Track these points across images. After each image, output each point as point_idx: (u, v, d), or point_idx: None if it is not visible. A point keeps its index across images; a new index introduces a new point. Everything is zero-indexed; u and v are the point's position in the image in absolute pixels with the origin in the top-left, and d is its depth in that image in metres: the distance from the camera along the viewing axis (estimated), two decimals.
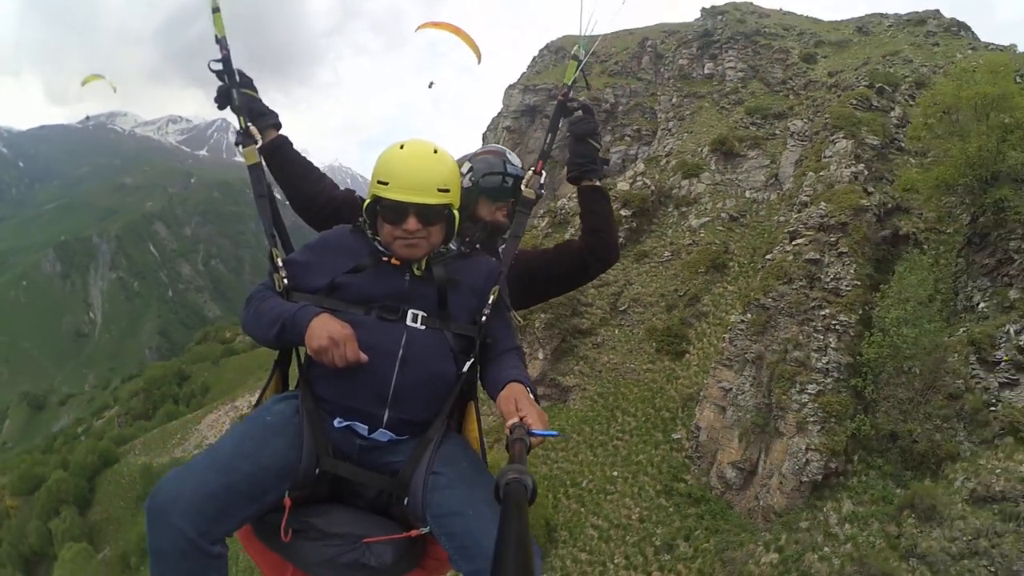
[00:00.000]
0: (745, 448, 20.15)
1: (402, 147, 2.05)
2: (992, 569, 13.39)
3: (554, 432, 1.74)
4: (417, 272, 2.07)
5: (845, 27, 50.96)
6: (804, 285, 21.04)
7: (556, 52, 70.44)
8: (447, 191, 2.04)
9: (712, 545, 18.83)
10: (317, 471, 1.93)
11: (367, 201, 2.08)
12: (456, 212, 2.10)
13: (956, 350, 17.59)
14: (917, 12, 48.77)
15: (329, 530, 1.89)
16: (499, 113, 74.75)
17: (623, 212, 33.30)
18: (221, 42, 2.37)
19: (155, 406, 78.53)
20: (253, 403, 2.18)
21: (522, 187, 2.42)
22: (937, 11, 47.80)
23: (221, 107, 2.42)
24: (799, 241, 22.41)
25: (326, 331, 1.88)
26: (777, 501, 18.34)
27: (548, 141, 2.47)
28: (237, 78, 2.39)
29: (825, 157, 26.06)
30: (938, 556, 14.18)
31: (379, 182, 2.02)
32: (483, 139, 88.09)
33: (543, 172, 2.41)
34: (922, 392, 17.57)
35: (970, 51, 37.46)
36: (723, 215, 33.43)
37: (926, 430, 17.10)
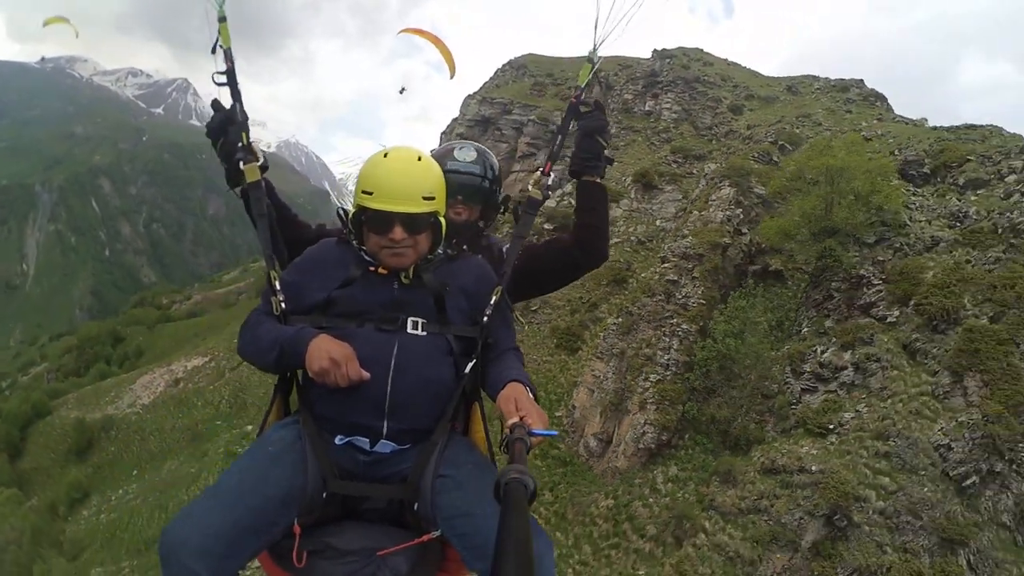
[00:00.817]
0: (604, 422, 24.71)
1: (386, 155, 2.07)
2: (767, 521, 17.71)
3: (554, 432, 1.78)
4: (405, 280, 2.09)
5: (777, 84, 56.62)
6: (662, 299, 25.75)
7: (518, 69, 74.09)
8: (432, 199, 2.04)
9: (569, 495, 23.43)
10: (325, 494, 1.94)
11: (352, 211, 2.10)
12: (443, 219, 2.10)
13: (778, 362, 22.46)
14: (843, 79, 54.60)
15: (345, 548, 1.91)
16: (455, 119, 77.21)
17: (546, 226, 38.50)
18: (227, 53, 2.31)
19: (87, 365, 78.74)
20: (259, 429, 2.16)
21: (529, 187, 2.40)
22: (861, 80, 53.75)
23: (219, 129, 2.27)
24: (666, 265, 27.29)
25: (326, 353, 1.90)
26: (622, 463, 22.92)
27: (558, 142, 2.45)
28: (239, 92, 2.30)
29: (711, 200, 30.90)
30: (730, 509, 18.51)
31: (363, 192, 2.02)
32: (439, 139, 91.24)
33: (551, 173, 2.44)
34: (750, 392, 22.49)
35: (875, 120, 42.50)
36: (632, 238, 37.93)
37: (745, 420, 21.90)
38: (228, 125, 2.28)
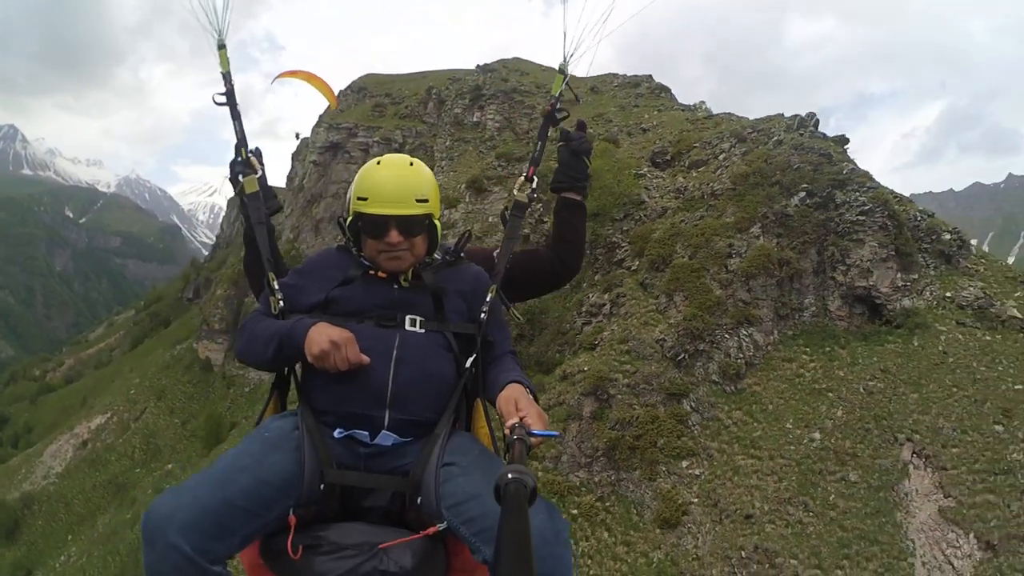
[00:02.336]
0: None
1: (379, 163, 2.19)
2: (564, 407, 25.30)
3: (555, 432, 1.80)
4: (404, 283, 2.19)
5: (584, 85, 65.54)
6: None
7: (358, 92, 79.76)
8: (426, 201, 2.14)
9: None
10: (322, 485, 1.93)
11: (348, 218, 2.20)
12: (437, 221, 2.21)
13: (570, 309, 32.00)
14: (637, 76, 65.09)
15: (343, 541, 1.87)
16: (305, 143, 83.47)
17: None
18: (226, 77, 2.50)
19: None
20: (254, 424, 2.16)
21: (515, 191, 2.58)
22: (650, 76, 64.55)
23: (238, 170, 2.48)
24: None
25: (326, 336, 1.95)
26: None
27: (538, 149, 2.64)
28: (239, 109, 2.49)
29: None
30: (542, 407, 28.41)
31: (359, 198, 2.13)
32: (291, 159, 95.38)
33: (535, 178, 2.60)
34: (555, 331, 31.78)
35: (656, 112, 52.81)
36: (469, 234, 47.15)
37: (551, 351, 31.36)
38: (247, 168, 2.50)
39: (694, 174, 34.16)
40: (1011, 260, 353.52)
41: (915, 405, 20.92)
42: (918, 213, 28.00)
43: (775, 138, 29.74)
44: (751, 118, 38.79)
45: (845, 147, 30.34)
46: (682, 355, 25.32)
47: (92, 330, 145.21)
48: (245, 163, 2.47)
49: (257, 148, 2.54)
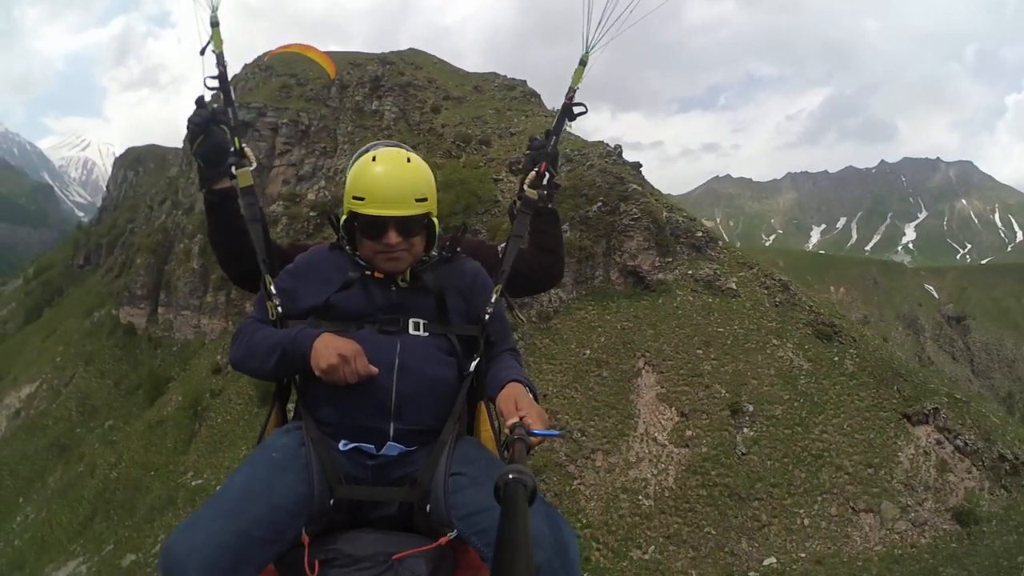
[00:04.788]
0: None
1: (374, 159, 2.15)
2: None
3: (555, 432, 1.87)
4: (402, 284, 2.19)
5: (468, 83, 76.73)
6: None
7: (265, 70, 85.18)
8: (425, 200, 2.14)
9: None
10: (332, 501, 1.96)
11: (343, 218, 2.20)
12: (435, 220, 2.21)
13: None
14: (513, 79, 76.01)
15: (358, 554, 1.91)
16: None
17: (311, 213, 57.79)
18: (219, 57, 2.45)
19: None
20: (257, 438, 2.22)
21: (526, 187, 2.67)
22: (524, 81, 76.01)
23: (200, 127, 2.41)
24: None
25: (334, 349, 1.96)
26: None
27: (552, 143, 2.72)
28: (234, 97, 2.48)
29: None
30: None
31: (354, 198, 2.11)
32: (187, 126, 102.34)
33: (546, 173, 2.69)
34: None
35: (524, 117, 64.44)
36: None
37: None
38: (211, 124, 2.42)
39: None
40: (877, 238, 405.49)
41: (650, 336, 36.13)
42: (682, 218, 43.11)
43: (589, 162, 43.91)
44: (582, 139, 52.49)
45: (640, 169, 45.27)
46: (515, 304, 39.54)
47: None
48: (239, 154, 2.44)
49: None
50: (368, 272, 2.21)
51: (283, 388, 2.32)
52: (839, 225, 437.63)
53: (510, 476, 1.27)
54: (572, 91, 2.71)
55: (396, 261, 2.17)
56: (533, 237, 2.83)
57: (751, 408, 32.05)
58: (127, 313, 72.45)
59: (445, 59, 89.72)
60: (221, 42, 2.48)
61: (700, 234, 42.86)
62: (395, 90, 72.28)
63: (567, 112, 2.74)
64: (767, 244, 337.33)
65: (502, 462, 1.87)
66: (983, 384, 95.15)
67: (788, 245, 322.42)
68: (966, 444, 29.93)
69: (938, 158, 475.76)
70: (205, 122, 2.43)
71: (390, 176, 2.13)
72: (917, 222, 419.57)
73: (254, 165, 2.49)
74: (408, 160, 2.20)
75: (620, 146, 46.61)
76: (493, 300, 2.34)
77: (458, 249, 2.39)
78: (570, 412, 33.23)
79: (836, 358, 34.53)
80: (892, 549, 26.98)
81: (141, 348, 68.78)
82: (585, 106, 2.72)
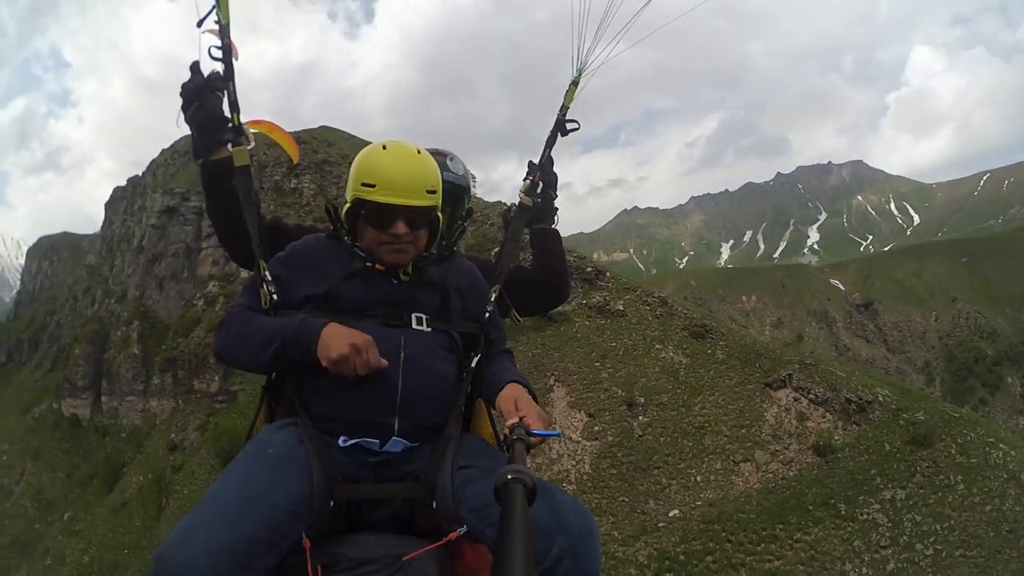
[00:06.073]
0: None
1: (385, 147, 2.13)
2: None
3: (555, 432, 1.91)
4: (404, 277, 2.17)
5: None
6: None
7: (184, 155, 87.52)
8: (434, 192, 2.13)
9: None
10: (332, 503, 1.90)
11: (347, 205, 2.15)
12: (440, 215, 2.20)
13: None
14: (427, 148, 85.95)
15: (362, 556, 1.85)
16: (122, 196, 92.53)
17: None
18: (224, 29, 2.38)
19: None
20: (246, 435, 2.15)
21: (520, 194, 2.82)
22: (437, 149, 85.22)
23: (194, 94, 2.38)
24: None
25: (345, 339, 1.92)
26: None
27: (545, 155, 2.87)
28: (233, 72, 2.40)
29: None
30: None
31: (364, 184, 2.07)
32: (104, 209, 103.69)
33: (540, 183, 2.84)
34: None
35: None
36: None
37: None
38: (206, 91, 2.38)
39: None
40: (783, 245, 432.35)
41: (556, 358, 44.28)
42: (573, 258, 51.63)
43: (490, 221, 52.16)
44: (487, 199, 61.13)
45: None
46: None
47: None
48: (237, 130, 2.39)
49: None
50: (370, 264, 2.16)
51: (273, 383, 2.21)
52: (746, 239, 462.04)
53: (509, 476, 1.28)
54: (565, 108, 2.83)
55: (401, 253, 2.13)
56: (536, 258, 2.96)
57: (642, 400, 40.51)
58: (69, 405, 74.78)
59: (354, 133, 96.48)
60: (228, 11, 2.38)
61: (589, 269, 51.82)
62: (311, 168, 77.22)
63: (560, 127, 2.85)
64: (681, 266, 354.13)
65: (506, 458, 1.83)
66: (900, 359, 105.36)
67: (701, 264, 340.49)
68: (818, 396, 38.91)
69: (829, 162, 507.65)
70: (200, 88, 2.38)
71: (403, 165, 2.10)
72: (819, 223, 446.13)
73: (252, 144, 2.42)
74: (418, 152, 2.16)
75: (514, 204, 55.10)
76: (492, 299, 2.37)
77: (455, 248, 2.40)
78: (498, 427, 41.13)
79: (709, 351, 43.42)
80: (767, 485, 35.48)
81: (88, 438, 71.23)
82: (577, 122, 2.84)
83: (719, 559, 31.88)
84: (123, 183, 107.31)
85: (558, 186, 2.98)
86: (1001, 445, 34.21)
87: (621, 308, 47.90)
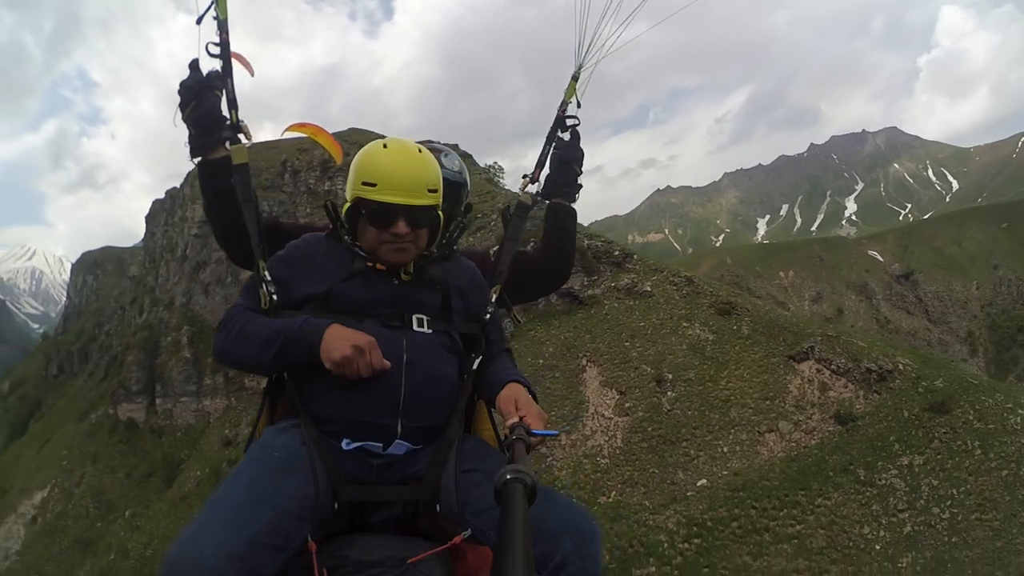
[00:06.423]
0: None
1: (386, 146, 2.14)
2: None
3: (555, 432, 1.91)
4: (405, 277, 2.18)
5: None
6: None
7: None
8: (435, 191, 2.14)
9: None
10: (336, 505, 1.91)
11: (347, 204, 2.17)
12: (441, 214, 2.20)
13: None
14: (447, 144, 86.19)
15: (367, 559, 1.88)
16: (162, 209, 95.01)
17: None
18: (222, 25, 2.39)
19: None
20: (248, 437, 2.15)
21: (519, 191, 2.80)
22: (457, 145, 79.90)
23: (193, 92, 2.38)
24: None
25: (348, 340, 1.93)
26: None
27: (545, 152, 2.86)
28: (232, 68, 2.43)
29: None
30: None
31: (364, 183, 2.09)
32: (145, 223, 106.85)
33: (540, 179, 2.85)
34: None
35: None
36: None
37: None
38: (205, 89, 2.38)
39: (478, 235, 56.99)
40: (820, 217, 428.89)
41: (588, 340, 46.41)
42: (600, 243, 54.02)
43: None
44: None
45: None
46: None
47: None
48: (235, 128, 2.41)
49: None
50: (370, 264, 2.16)
51: (274, 384, 2.23)
52: (782, 213, 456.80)
53: (508, 476, 1.28)
54: (565, 104, 2.84)
55: (402, 252, 2.14)
56: (546, 234, 2.92)
57: (671, 376, 42.42)
58: (125, 410, 78.25)
59: (383, 132, 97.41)
60: (226, 7, 2.40)
61: (617, 253, 53.74)
62: (344, 169, 78.36)
63: (559, 123, 2.85)
64: (717, 244, 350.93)
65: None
66: (942, 330, 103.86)
67: (738, 241, 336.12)
68: (839, 367, 40.48)
69: (863, 130, 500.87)
70: (198, 86, 2.38)
71: (404, 164, 2.10)
72: (856, 194, 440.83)
73: (251, 142, 2.44)
74: (420, 151, 2.17)
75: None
76: (493, 299, 2.39)
77: (455, 248, 2.41)
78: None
79: (735, 326, 45.11)
80: (790, 453, 37.27)
81: (145, 439, 74.40)
82: (577, 118, 2.86)
83: (743, 524, 33.80)
84: (161, 195, 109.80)
85: (583, 164, 2.95)
86: (1020, 411, 35.18)
87: (649, 289, 49.70)
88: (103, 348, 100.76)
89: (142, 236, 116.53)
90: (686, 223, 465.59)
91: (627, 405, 42.09)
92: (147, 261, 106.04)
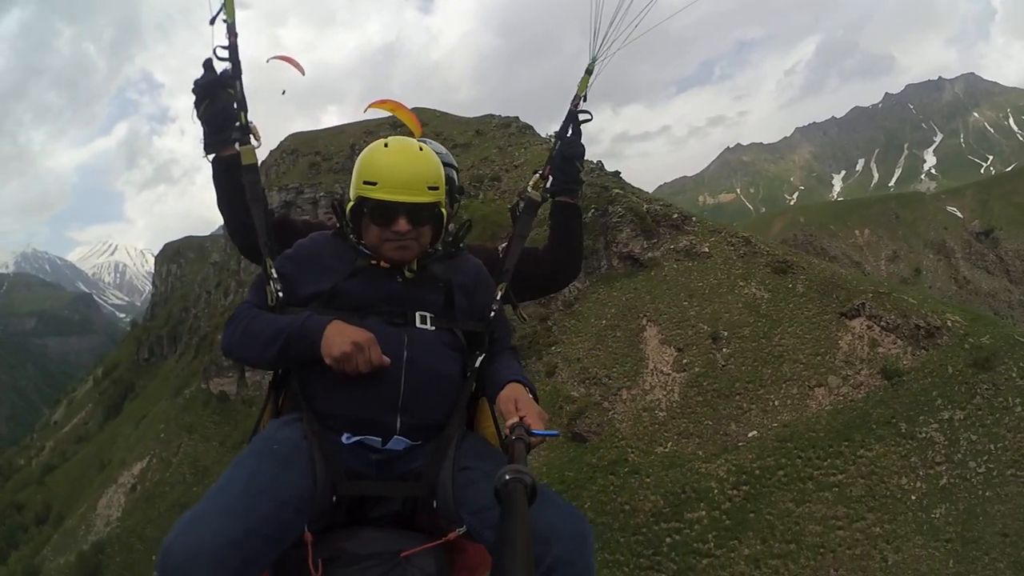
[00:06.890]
0: None
1: (387, 145, 2.16)
2: None
3: (555, 432, 1.91)
4: (408, 274, 2.19)
5: (470, 127, 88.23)
6: None
7: (291, 153, 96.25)
8: (436, 189, 2.15)
9: None
10: (335, 498, 1.96)
11: (350, 203, 2.19)
12: (444, 211, 2.21)
13: None
14: (507, 117, 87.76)
15: (362, 552, 1.92)
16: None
17: None
18: (230, 28, 2.43)
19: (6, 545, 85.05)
20: (249, 432, 2.17)
21: (528, 188, 2.72)
22: (517, 117, 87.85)
23: (206, 91, 2.45)
24: None
25: (347, 336, 1.97)
26: None
27: (556, 147, 2.77)
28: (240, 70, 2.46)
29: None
30: None
31: (365, 182, 2.10)
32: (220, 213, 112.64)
33: (549, 176, 2.76)
34: None
35: (523, 149, 76.07)
36: None
37: None
38: (217, 88, 2.44)
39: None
40: (899, 171, 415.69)
41: (648, 300, 49.51)
42: (659, 207, 56.61)
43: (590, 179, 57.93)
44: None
45: (619, 176, 59.24)
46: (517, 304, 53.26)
47: (53, 412, 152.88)
48: (245, 129, 2.45)
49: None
50: (374, 261, 2.19)
51: (279, 378, 2.26)
52: (858, 168, 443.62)
53: (508, 476, 1.29)
54: (578, 98, 2.79)
55: (404, 250, 2.16)
56: (552, 232, 2.86)
57: (726, 334, 45.24)
58: (217, 384, 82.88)
59: (444, 109, 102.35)
60: (233, 11, 2.46)
61: (676, 216, 56.32)
62: None
63: (572, 118, 2.78)
64: (791, 203, 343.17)
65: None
66: (1023, 291, 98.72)
67: (813, 199, 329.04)
68: (889, 323, 42.41)
69: (940, 77, 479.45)
70: (210, 85, 2.45)
71: (404, 162, 2.12)
72: (935, 146, 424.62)
73: (260, 143, 2.46)
74: (420, 148, 2.19)
75: (601, 161, 60.69)
76: (498, 297, 2.39)
77: (461, 245, 2.42)
78: (598, 365, 46.75)
79: (790, 285, 47.35)
80: (836, 406, 39.75)
81: (237, 409, 77.69)
82: (590, 113, 2.79)
83: (789, 473, 36.56)
84: None
85: (583, 158, 2.85)
86: None
87: (707, 250, 52.23)
88: (192, 330, 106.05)
89: (220, 224, 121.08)
90: (758, 181, 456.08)
91: (684, 361, 45.00)
92: (228, 247, 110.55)
